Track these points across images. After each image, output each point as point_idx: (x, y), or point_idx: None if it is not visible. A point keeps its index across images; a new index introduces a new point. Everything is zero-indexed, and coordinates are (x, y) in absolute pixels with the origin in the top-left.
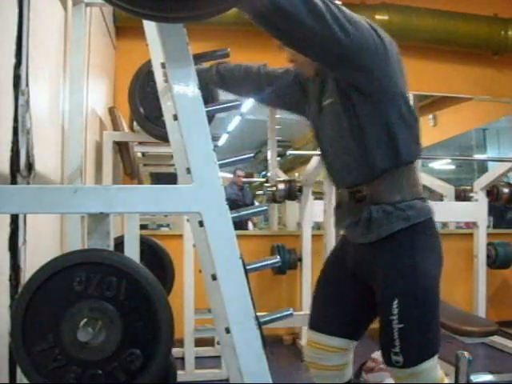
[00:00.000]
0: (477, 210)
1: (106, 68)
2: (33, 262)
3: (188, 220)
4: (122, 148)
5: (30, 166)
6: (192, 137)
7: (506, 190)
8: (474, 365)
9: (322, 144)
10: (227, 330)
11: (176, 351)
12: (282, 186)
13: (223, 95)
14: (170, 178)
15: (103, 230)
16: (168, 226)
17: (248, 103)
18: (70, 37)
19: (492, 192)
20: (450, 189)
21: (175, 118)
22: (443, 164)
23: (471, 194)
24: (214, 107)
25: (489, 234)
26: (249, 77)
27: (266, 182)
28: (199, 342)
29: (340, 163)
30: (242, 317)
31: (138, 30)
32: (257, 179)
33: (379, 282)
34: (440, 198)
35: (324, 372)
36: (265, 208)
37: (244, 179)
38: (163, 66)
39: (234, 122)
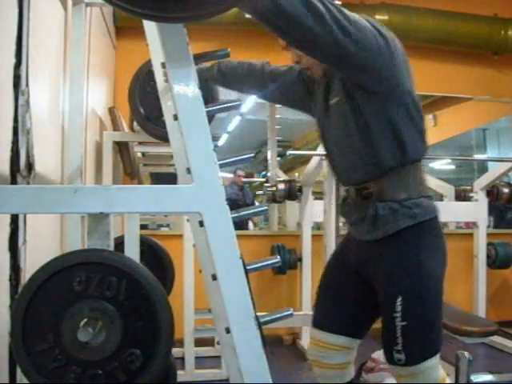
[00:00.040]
0: (477, 210)
1: (106, 68)
2: (33, 261)
3: (188, 220)
4: (122, 148)
5: (30, 166)
6: (192, 137)
7: (506, 190)
8: (474, 365)
9: (328, 143)
10: (227, 330)
11: (176, 351)
12: (282, 186)
13: (223, 95)
14: (170, 178)
15: (103, 230)
16: (168, 225)
17: (248, 103)
18: (70, 37)
19: (492, 192)
20: (450, 189)
21: (175, 117)
22: (443, 164)
23: (471, 194)
24: (214, 107)
25: (489, 234)
26: (252, 74)
27: (266, 181)
28: (199, 342)
29: (346, 162)
30: (242, 317)
31: (138, 30)
32: (257, 179)
33: (383, 279)
34: (440, 197)
35: (327, 371)
36: (265, 208)
37: (244, 179)
38: (163, 65)
39: (234, 122)
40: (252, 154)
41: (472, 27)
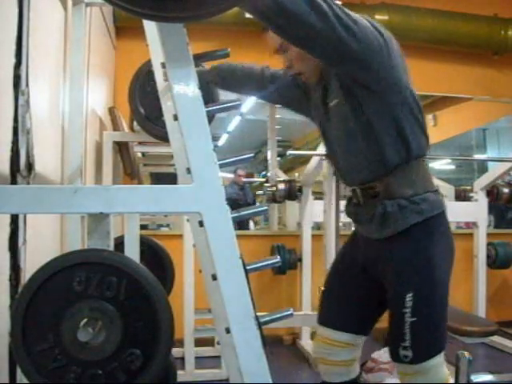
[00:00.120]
0: (477, 210)
1: (106, 68)
2: (33, 261)
3: (188, 220)
4: (122, 148)
5: (30, 166)
6: (192, 137)
7: (505, 190)
8: (474, 365)
9: (331, 145)
10: (227, 330)
11: (176, 351)
12: (282, 186)
13: (223, 95)
14: (170, 178)
15: (103, 230)
16: (168, 225)
17: (248, 103)
18: (70, 37)
19: (492, 192)
20: (450, 189)
21: (175, 117)
22: (443, 164)
23: (471, 194)
24: (214, 107)
25: (489, 234)
26: (252, 78)
27: (266, 181)
28: (199, 342)
29: (350, 163)
30: (242, 317)
31: (138, 30)
32: (257, 179)
33: (393, 277)
34: None
35: (332, 367)
36: (265, 208)
37: (244, 179)
38: (163, 65)
39: (234, 122)
40: (252, 154)
41: (472, 27)
